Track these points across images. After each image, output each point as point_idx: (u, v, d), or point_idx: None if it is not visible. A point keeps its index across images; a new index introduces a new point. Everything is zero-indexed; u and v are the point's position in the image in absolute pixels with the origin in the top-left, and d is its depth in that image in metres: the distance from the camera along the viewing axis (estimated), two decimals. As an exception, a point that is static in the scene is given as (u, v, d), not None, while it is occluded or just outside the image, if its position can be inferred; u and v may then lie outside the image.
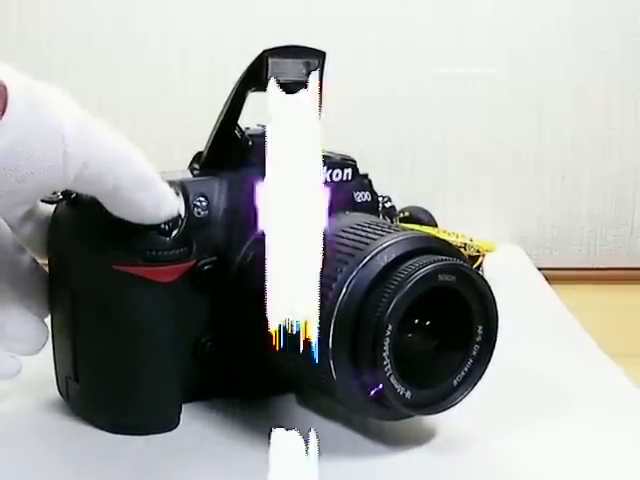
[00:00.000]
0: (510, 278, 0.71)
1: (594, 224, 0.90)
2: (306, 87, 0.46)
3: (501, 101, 0.88)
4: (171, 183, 0.41)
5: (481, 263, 0.71)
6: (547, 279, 0.75)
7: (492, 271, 0.69)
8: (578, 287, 0.81)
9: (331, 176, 0.44)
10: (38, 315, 0.44)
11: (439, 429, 0.43)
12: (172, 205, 0.40)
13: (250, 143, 0.46)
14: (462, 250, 0.56)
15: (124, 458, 0.40)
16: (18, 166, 0.34)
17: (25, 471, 0.39)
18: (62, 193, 0.42)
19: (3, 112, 0.33)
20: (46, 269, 0.45)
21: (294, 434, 0.42)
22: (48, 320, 0.44)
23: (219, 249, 0.44)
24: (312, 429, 0.43)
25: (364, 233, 0.41)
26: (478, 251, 0.71)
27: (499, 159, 0.89)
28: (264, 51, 0.44)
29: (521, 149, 0.89)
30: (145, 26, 0.86)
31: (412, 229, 0.43)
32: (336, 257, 0.40)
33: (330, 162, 0.45)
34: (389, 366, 0.38)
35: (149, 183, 0.39)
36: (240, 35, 0.85)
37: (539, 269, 0.79)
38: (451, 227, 0.75)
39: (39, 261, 0.45)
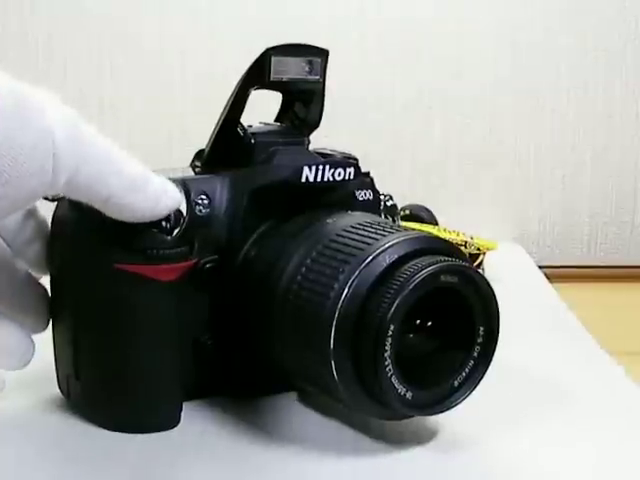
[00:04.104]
0: (510, 276, 0.71)
1: (594, 222, 0.90)
2: (308, 85, 0.46)
3: (501, 101, 0.88)
4: (172, 181, 0.40)
5: (482, 261, 0.71)
6: (547, 277, 0.75)
7: (493, 269, 0.70)
8: (578, 285, 0.82)
9: (333, 175, 0.44)
10: (32, 330, 0.44)
11: (440, 428, 0.43)
12: (171, 200, 0.39)
13: (252, 141, 0.46)
14: (462, 248, 0.56)
15: (125, 456, 0.40)
16: (3, 170, 0.33)
17: (25, 470, 0.39)
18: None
19: None
20: (43, 284, 0.45)
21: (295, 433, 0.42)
22: (40, 335, 0.44)
23: (221, 248, 0.44)
24: (313, 428, 0.43)
25: (366, 233, 0.40)
26: (478, 249, 0.71)
27: (499, 159, 0.89)
28: (267, 49, 0.44)
29: (521, 149, 0.89)
30: (145, 26, 0.86)
31: (414, 229, 0.43)
32: (338, 257, 0.40)
33: (332, 161, 0.45)
34: (390, 366, 0.38)
35: (143, 184, 0.38)
36: (240, 34, 0.85)
37: (539, 267, 0.79)
38: (452, 225, 0.75)
39: (36, 275, 0.45)
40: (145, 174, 0.38)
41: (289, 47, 0.44)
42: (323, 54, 0.46)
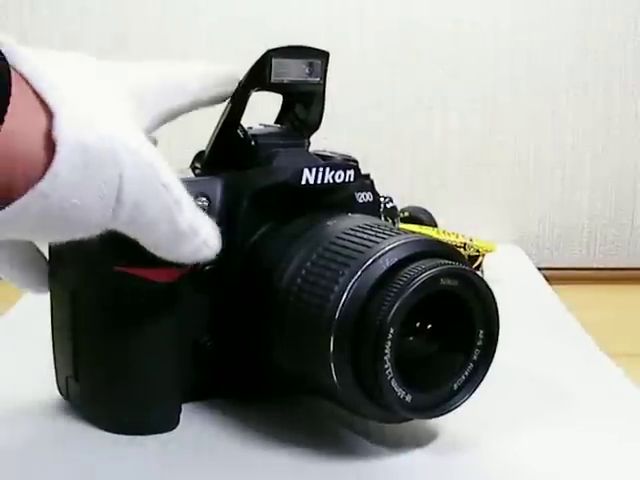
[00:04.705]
0: (510, 278, 0.71)
1: (594, 224, 0.90)
2: (309, 87, 0.46)
3: (501, 101, 0.88)
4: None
5: (481, 263, 0.71)
6: (547, 279, 0.75)
7: (492, 271, 0.70)
8: (578, 287, 0.82)
9: (333, 177, 0.44)
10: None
11: (439, 430, 0.43)
12: (209, 250, 0.39)
13: (252, 143, 0.46)
14: (462, 250, 0.56)
15: (124, 458, 0.40)
16: (61, 234, 0.33)
17: (25, 471, 0.39)
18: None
19: (43, 175, 0.30)
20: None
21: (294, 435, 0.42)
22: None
23: (220, 250, 0.44)
24: (312, 430, 0.43)
25: (366, 235, 0.40)
26: (478, 251, 0.71)
27: (499, 159, 0.89)
28: (268, 51, 0.44)
29: (521, 149, 0.89)
30: (145, 26, 0.86)
31: (413, 232, 0.43)
32: (338, 259, 0.40)
33: (332, 163, 0.45)
34: (390, 369, 0.38)
35: (190, 237, 0.37)
36: (239, 35, 0.85)
37: (539, 269, 0.79)
38: (451, 227, 0.75)
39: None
40: (194, 225, 0.37)
41: (290, 49, 0.44)
42: (324, 56, 0.46)
